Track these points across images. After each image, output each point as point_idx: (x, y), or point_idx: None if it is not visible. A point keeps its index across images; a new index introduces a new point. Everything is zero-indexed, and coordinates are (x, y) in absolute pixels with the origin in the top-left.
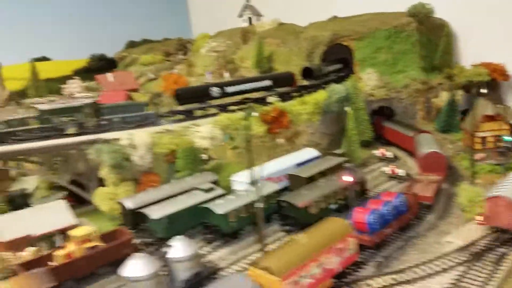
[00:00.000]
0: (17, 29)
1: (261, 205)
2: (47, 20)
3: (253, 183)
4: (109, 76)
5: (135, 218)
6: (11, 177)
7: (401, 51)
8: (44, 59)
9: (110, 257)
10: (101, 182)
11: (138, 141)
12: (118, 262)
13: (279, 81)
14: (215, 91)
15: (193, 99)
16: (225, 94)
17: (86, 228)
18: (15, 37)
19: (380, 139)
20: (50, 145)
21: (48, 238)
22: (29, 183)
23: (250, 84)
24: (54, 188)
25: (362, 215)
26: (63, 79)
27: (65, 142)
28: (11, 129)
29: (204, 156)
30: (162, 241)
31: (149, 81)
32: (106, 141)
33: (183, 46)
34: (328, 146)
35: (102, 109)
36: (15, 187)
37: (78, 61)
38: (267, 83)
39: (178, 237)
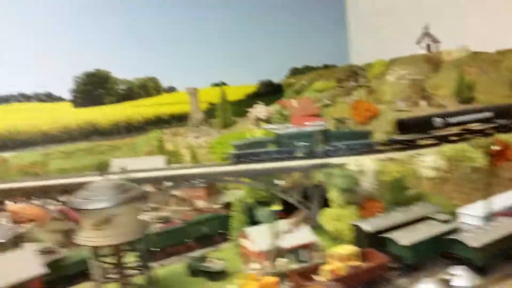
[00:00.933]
0: (199, 58)
1: None
2: (222, 49)
3: (487, 217)
4: (293, 102)
5: (371, 241)
6: (218, 190)
7: None
8: (222, 84)
9: (368, 277)
10: (324, 203)
11: (366, 167)
12: (372, 282)
13: (499, 112)
14: (438, 121)
15: (415, 129)
16: (447, 125)
17: (349, 247)
18: (196, 64)
19: None
20: (282, 166)
21: (295, 252)
22: (233, 195)
23: (472, 115)
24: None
25: None
26: (239, 103)
27: (296, 164)
28: (253, 150)
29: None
30: (408, 267)
31: (324, 106)
32: (334, 166)
33: (354, 73)
34: None
35: (329, 136)
36: (222, 199)
37: (248, 86)
38: (488, 114)
39: (458, 266)
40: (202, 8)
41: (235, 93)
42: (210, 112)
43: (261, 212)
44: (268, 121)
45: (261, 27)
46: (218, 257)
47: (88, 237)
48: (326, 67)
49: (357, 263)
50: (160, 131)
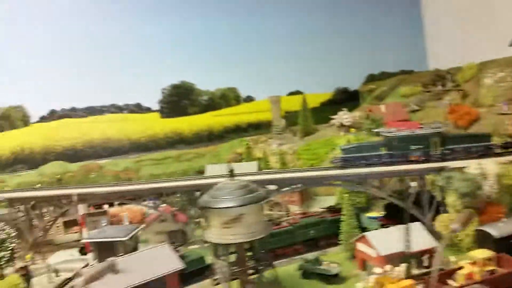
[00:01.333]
0: (276, 68)
1: None
2: (297, 59)
3: None
4: (382, 107)
5: (499, 247)
6: (311, 195)
7: None
8: (298, 92)
9: (505, 283)
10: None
11: (488, 170)
12: None
13: None
14: None
15: None
16: None
17: (486, 252)
18: (272, 74)
19: None
20: (393, 170)
21: (417, 257)
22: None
23: None
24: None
25: None
26: (314, 111)
27: (409, 168)
28: (363, 154)
29: None
30: None
31: (412, 112)
32: (452, 170)
33: (441, 77)
34: None
35: (446, 138)
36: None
37: (324, 94)
38: None
39: None
40: (277, 18)
41: (310, 101)
42: (288, 120)
43: (365, 217)
44: (353, 127)
45: (336, 35)
46: (330, 260)
47: (218, 235)
48: (403, 72)
49: (492, 267)
50: (241, 139)
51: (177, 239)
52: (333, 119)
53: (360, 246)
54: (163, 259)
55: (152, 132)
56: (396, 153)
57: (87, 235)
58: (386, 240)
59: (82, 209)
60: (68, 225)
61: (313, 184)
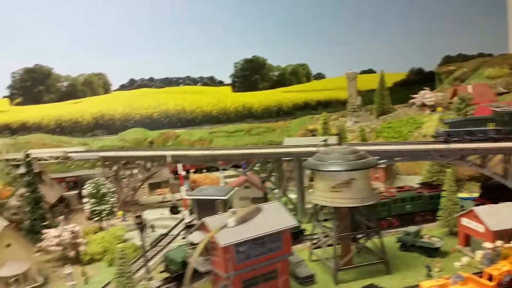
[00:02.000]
0: (348, 46)
1: None
2: (371, 37)
3: None
4: (469, 87)
5: None
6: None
7: None
8: (370, 71)
9: None
10: None
11: None
12: None
13: None
14: None
15: None
16: None
17: None
18: (345, 52)
19: None
20: (500, 147)
21: None
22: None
23: None
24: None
25: None
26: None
27: None
28: (469, 129)
29: None
30: None
31: (499, 95)
32: None
33: None
34: None
35: None
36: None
37: (397, 74)
38: None
39: None
40: None
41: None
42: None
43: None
44: (434, 107)
45: (412, 14)
46: (431, 234)
47: (327, 197)
48: (482, 55)
49: None
50: (311, 115)
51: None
52: (413, 98)
53: (465, 222)
54: (278, 215)
55: (224, 105)
56: (505, 129)
57: (186, 194)
58: (496, 216)
59: (180, 168)
60: (152, 187)
61: (417, 157)
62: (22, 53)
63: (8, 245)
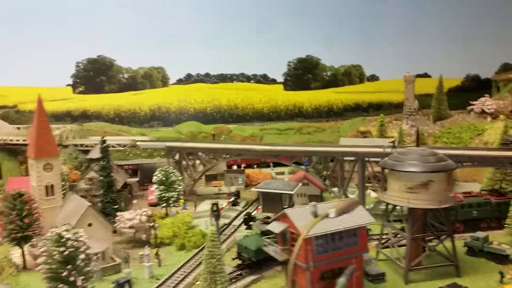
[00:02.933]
0: (403, 48)
1: None
2: (428, 42)
3: None
4: None
5: None
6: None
7: None
8: (425, 75)
9: None
10: None
11: None
12: None
13: None
14: None
15: None
16: None
17: None
18: (400, 54)
19: None
20: None
21: None
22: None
23: None
24: None
25: None
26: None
27: None
28: None
29: None
30: None
31: None
32: None
33: None
34: None
35: None
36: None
37: (452, 79)
38: None
39: None
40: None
41: (436, 86)
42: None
43: None
44: (493, 114)
45: (470, 18)
46: (500, 241)
47: (402, 198)
48: None
49: None
50: (362, 117)
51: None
52: (472, 104)
53: None
54: (357, 212)
55: (275, 104)
56: None
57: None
58: None
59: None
60: (209, 179)
61: (487, 163)
62: (87, 44)
63: (90, 224)
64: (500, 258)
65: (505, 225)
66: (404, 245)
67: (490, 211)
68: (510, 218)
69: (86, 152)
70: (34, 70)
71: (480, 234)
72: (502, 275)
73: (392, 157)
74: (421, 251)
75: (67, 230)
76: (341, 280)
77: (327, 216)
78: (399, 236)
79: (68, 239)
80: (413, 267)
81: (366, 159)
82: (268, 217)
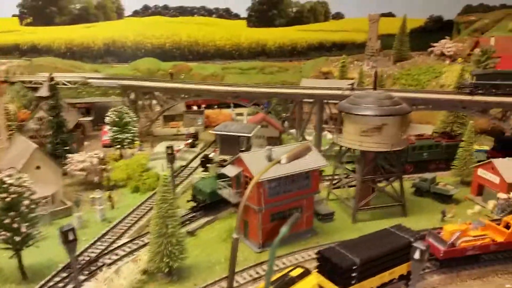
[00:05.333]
0: None
1: None
2: None
3: None
4: (492, 40)
5: None
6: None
7: None
8: (390, 15)
9: None
10: None
11: None
12: None
13: None
14: None
15: None
16: None
17: None
18: None
19: None
20: None
21: None
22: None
23: None
24: None
25: None
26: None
27: None
28: (496, 82)
29: None
30: None
31: None
32: None
33: None
34: None
35: None
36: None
37: (415, 20)
38: None
39: None
40: None
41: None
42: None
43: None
44: (452, 57)
45: None
46: (446, 182)
47: (356, 141)
48: (505, 6)
49: None
50: (325, 57)
51: (275, 145)
52: (433, 46)
53: (481, 172)
54: (310, 155)
55: (237, 41)
56: None
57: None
58: None
59: None
60: (167, 119)
61: (441, 107)
62: None
63: (38, 167)
64: (444, 198)
65: (452, 167)
66: (354, 186)
67: (440, 153)
68: (457, 160)
69: (36, 89)
70: None
71: (428, 175)
72: (444, 214)
73: (349, 100)
74: (370, 192)
75: (9, 175)
76: (283, 230)
77: (279, 162)
78: (350, 177)
79: (10, 184)
80: (361, 207)
81: (325, 101)
82: (225, 160)
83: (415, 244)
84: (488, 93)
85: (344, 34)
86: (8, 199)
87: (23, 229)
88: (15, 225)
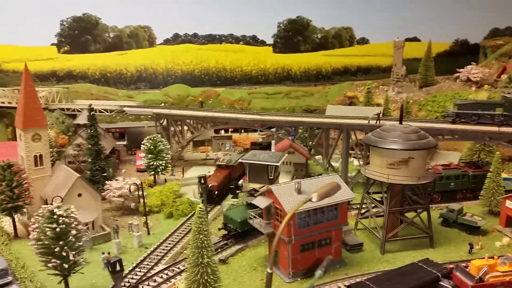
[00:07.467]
0: (393, 11)
1: None
2: (420, 4)
3: None
4: None
5: None
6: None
7: None
8: (415, 39)
9: None
10: None
11: None
12: None
13: None
14: None
15: None
16: None
17: None
18: (390, 17)
19: None
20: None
21: None
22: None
23: None
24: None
25: None
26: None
27: None
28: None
29: None
30: None
31: None
32: None
33: None
34: None
35: None
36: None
37: (440, 44)
38: None
39: None
40: None
41: (424, 51)
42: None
43: None
44: (479, 83)
45: None
46: (473, 213)
47: (383, 173)
48: None
49: None
50: (350, 82)
51: (302, 171)
52: (458, 72)
53: (510, 204)
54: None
55: (263, 66)
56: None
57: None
58: None
59: None
60: (196, 144)
61: (468, 138)
62: (72, 1)
63: (79, 195)
64: (471, 229)
65: (479, 197)
66: (382, 215)
67: (467, 183)
68: (484, 190)
69: (73, 116)
70: (17, 27)
71: (455, 206)
72: (471, 246)
73: (375, 134)
74: (398, 223)
75: (58, 207)
76: (318, 273)
77: (310, 200)
78: (377, 207)
79: (60, 216)
80: (389, 238)
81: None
82: (254, 189)
83: (442, 283)
84: (469, 122)
85: (369, 59)
86: (57, 230)
87: (71, 257)
88: (64, 253)
